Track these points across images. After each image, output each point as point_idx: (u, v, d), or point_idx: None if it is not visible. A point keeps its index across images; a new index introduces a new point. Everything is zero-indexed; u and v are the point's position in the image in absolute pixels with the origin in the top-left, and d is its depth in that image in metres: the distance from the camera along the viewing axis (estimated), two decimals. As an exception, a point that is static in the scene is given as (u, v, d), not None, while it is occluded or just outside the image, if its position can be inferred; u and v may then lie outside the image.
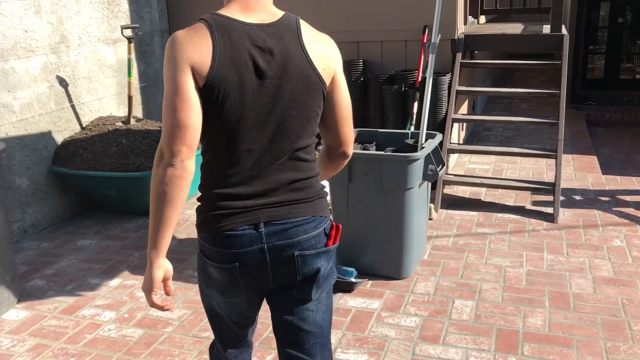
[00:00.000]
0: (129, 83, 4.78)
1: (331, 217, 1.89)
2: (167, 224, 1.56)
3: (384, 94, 5.05)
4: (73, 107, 4.68)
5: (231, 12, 1.63)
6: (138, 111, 5.46)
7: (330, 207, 2.30)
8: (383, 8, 5.22)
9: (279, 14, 1.67)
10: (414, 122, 4.78)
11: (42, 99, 4.37)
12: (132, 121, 4.85)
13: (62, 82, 4.56)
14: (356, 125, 5.32)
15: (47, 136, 4.43)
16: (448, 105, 4.90)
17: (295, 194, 1.66)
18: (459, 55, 5.02)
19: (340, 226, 1.74)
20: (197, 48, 1.56)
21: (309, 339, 1.75)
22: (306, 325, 1.74)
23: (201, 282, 1.76)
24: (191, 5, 5.73)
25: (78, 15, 4.69)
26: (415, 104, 4.80)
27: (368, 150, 3.67)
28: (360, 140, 3.81)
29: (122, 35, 4.71)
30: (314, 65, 1.62)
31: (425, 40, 5.00)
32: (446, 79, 4.89)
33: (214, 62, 1.55)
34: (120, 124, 4.79)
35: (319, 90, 1.64)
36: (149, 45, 5.58)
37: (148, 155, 4.40)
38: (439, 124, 4.90)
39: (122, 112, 5.16)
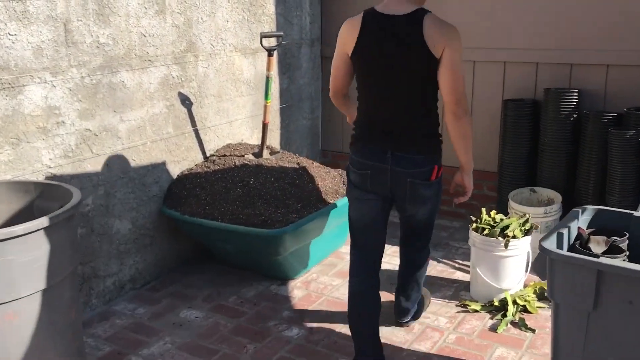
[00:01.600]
0: (265, 107, 3.74)
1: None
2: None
3: (610, 141, 3.55)
4: (196, 131, 3.74)
5: (378, 7, 2.45)
6: (275, 138, 4.44)
7: None
8: (611, 16, 3.71)
9: (412, 8, 2.36)
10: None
11: (157, 121, 3.46)
12: (266, 153, 3.82)
13: (185, 101, 3.63)
14: (561, 187, 3.87)
15: (159, 168, 3.51)
16: None
17: None
18: None
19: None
20: None
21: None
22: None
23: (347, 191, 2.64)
24: (346, 11, 4.62)
25: (212, 17, 3.74)
26: (665, 161, 3.26)
27: (618, 245, 2.26)
28: (598, 226, 2.40)
29: (261, 45, 3.67)
30: (425, 43, 2.29)
31: (681, 67, 3.44)
32: None
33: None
34: (251, 156, 3.77)
35: (424, 64, 2.33)
36: (295, 57, 4.54)
37: (279, 204, 3.32)
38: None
39: (257, 138, 4.16)
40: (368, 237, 2.62)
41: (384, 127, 2.44)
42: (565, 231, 2.25)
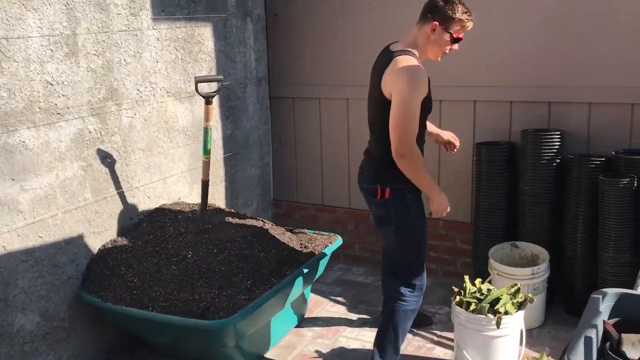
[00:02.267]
0: (204, 164, 3.17)
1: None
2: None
3: (602, 190, 3.14)
4: (122, 194, 3.12)
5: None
6: (219, 192, 3.86)
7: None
8: (594, 49, 3.34)
9: (398, 48, 2.59)
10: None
11: (71, 186, 2.83)
12: (206, 217, 3.23)
13: (107, 159, 3.02)
14: (546, 241, 3.44)
15: (75, 243, 2.87)
16: None
17: None
18: None
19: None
20: None
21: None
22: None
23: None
24: (295, 47, 4.12)
25: (137, 58, 3.17)
26: (668, 215, 2.85)
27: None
28: (624, 314, 1.93)
29: (197, 92, 3.11)
30: (381, 83, 2.53)
31: (674, 106, 3.07)
32: None
33: None
34: (188, 220, 3.18)
35: (380, 101, 2.54)
36: (240, 99, 3.99)
37: (224, 284, 2.74)
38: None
39: (197, 194, 3.57)
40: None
41: (366, 149, 2.82)
42: (592, 333, 1.76)
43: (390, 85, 2.47)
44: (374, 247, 4.18)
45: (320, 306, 3.67)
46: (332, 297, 3.79)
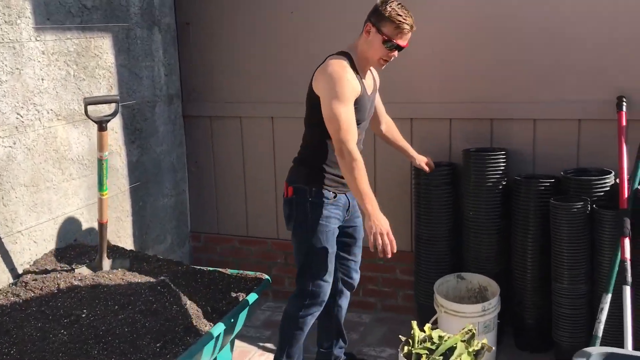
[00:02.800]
0: (101, 202, 2.65)
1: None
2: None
3: (554, 215, 2.87)
4: (-1, 241, 2.56)
5: None
6: (125, 229, 3.32)
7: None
8: (538, 62, 3.09)
9: (336, 50, 2.57)
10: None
11: None
12: (106, 264, 2.71)
13: (-24, 199, 2.46)
14: (493, 271, 3.15)
15: None
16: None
17: None
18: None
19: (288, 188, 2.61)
20: None
21: None
22: None
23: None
24: (210, 58, 3.67)
25: (16, 75, 2.62)
26: (627, 245, 2.59)
27: None
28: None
29: (87, 116, 2.59)
30: (311, 84, 2.52)
31: (624, 122, 2.85)
32: (680, 194, 2.70)
33: None
34: (84, 270, 2.65)
35: (309, 97, 2.55)
36: (148, 120, 3.49)
37: (127, 349, 2.23)
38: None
39: (97, 233, 3.03)
40: None
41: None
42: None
43: (316, 84, 2.47)
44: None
45: (247, 356, 3.21)
46: (261, 344, 3.34)
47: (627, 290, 2.47)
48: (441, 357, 2.31)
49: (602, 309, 2.54)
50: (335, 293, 2.79)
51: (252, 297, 2.84)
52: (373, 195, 2.38)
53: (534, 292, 3.04)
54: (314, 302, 2.61)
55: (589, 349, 1.69)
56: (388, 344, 3.27)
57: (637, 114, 2.90)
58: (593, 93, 3.00)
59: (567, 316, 2.85)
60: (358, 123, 2.48)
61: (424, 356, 2.34)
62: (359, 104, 2.46)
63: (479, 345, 2.38)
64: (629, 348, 2.35)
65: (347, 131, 2.36)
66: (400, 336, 2.50)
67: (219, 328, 2.50)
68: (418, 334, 2.45)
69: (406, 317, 3.56)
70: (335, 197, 2.57)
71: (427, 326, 2.49)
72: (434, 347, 2.36)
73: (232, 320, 2.66)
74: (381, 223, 2.34)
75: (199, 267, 2.99)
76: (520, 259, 3.05)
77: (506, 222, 3.12)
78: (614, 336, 2.73)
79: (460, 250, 3.28)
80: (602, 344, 2.52)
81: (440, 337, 2.42)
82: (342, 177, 2.51)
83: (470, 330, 2.42)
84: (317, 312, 2.65)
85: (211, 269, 3.00)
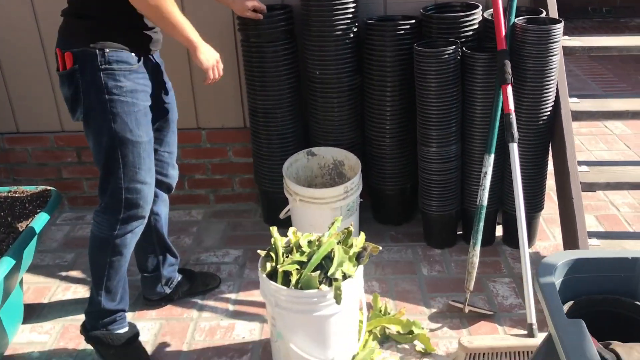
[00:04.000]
0: None
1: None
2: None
3: (418, 64, 2.32)
4: None
5: None
6: None
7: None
8: None
9: None
10: (514, 135, 2.12)
11: None
12: None
13: None
14: (347, 140, 2.61)
15: None
16: (558, 86, 2.34)
17: None
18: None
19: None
20: None
21: None
22: None
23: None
24: None
25: None
26: (511, 95, 2.15)
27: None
28: (584, 290, 1.16)
29: None
30: None
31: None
32: (559, 29, 2.26)
33: None
34: None
35: None
36: None
37: None
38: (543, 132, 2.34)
39: None
40: None
41: None
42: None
43: None
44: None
45: (46, 294, 2.39)
46: (63, 274, 2.51)
47: (515, 148, 2.08)
48: (318, 272, 1.74)
49: (485, 173, 2.14)
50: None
51: (40, 222, 2.00)
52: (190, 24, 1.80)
53: (394, 159, 2.58)
54: (133, 214, 1.87)
55: (551, 259, 1.22)
56: (230, 244, 2.66)
57: None
58: None
59: (436, 183, 2.45)
60: None
61: (294, 273, 1.76)
62: None
63: (360, 245, 1.85)
64: (521, 217, 2.01)
65: None
66: (258, 251, 1.87)
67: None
68: (277, 239, 1.84)
69: (246, 207, 2.96)
70: (139, 60, 1.77)
71: (293, 230, 1.89)
72: (305, 259, 1.78)
73: (14, 260, 1.83)
74: (211, 52, 1.88)
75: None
76: (378, 122, 2.53)
77: (360, 79, 2.53)
78: (493, 202, 2.41)
79: (307, 121, 2.66)
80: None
81: (310, 243, 1.84)
82: (145, 28, 1.77)
83: (347, 229, 1.87)
84: (139, 227, 1.92)
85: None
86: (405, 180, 2.63)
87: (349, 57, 2.47)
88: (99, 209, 1.88)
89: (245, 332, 2.14)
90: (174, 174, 2.13)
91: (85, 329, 1.99)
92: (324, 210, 2.35)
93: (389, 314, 2.15)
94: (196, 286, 2.34)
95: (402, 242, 2.63)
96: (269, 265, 1.80)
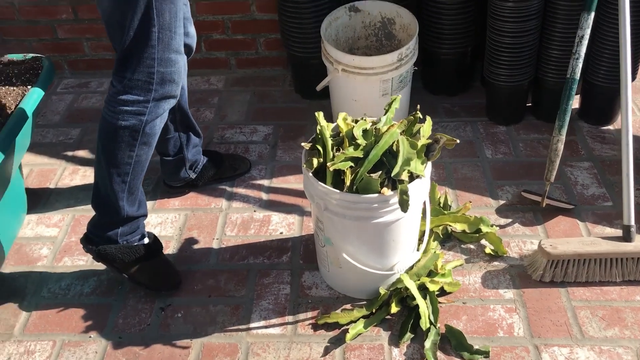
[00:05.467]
0: None
1: None
2: None
3: None
4: None
5: None
6: None
7: None
8: None
9: None
10: None
11: None
12: None
13: None
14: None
15: None
16: None
17: None
18: None
19: None
20: None
21: None
22: None
23: None
24: None
25: None
26: None
27: None
28: None
29: None
30: None
31: None
32: None
33: None
34: None
35: None
36: None
37: None
38: None
39: None
40: None
41: None
42: None
43: None
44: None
45: (51, 178, 2.09)
46: (69, 154, 2.19)
47: (626, 2, 1.61)
48: (379, 173, 1.39)
49: (581, 37, 1.68)
50: None
51: (32, 102, 1.66)
52: None
53: (455, 15, 2.11)
54: (166, 92, 1.49)
55: None
56: (258, 118, 2.30)
57: None
58: None
59: (509, 47, 2.00)
60: None
61: (348, 172, 1.41)
62: None
63: (426, 134, 1.48)
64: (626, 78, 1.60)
65: None
66: (303, 144, 1.50)
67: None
68: (327, 131, 1.47)
69: (273, 72, 2.55)
70: None
71: (342, 116, 1.50)
72: (360, 154, 1.43)
73: (2, 154, 1.51)
74: None
75: None
76: (439, -32, 2.03)
77: None
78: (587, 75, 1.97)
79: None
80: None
81: (366, 133, 1.47)
82: None
83: (414, 115, 1.48)
84: (169, 107, 1.54)
85: None
86: (466, 42, 2.18)
87: None
88: (117, 92, 1.46)
89: (283, 226, 1.86)
90: (193, 32, 1.71)
91: (92, 243, 1.62)
92: (372, 82, 1.95)
93: (450, 207, 1.84)
94: (224, 171, 2.02)
95: (460, 116, 2.24)
96: (315, 161, 1.45)
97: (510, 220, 1.82)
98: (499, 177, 1.97)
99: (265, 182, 2.02)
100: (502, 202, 1.89)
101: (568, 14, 1.93)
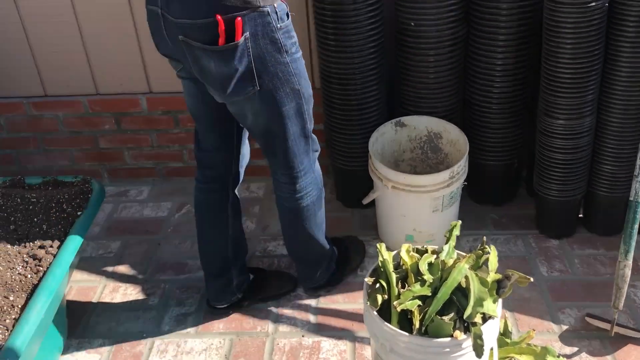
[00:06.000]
0: None
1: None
2: None
3: (555, 13, 1.78)
4: None
5: None
6: None
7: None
8: None
9: None
10: None
11: None
12: None
13: None
14: (444, 108, 2.13)
15: None
16: None
17: None
18: None
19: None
20: None
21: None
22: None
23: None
24: None
25: None
26: None
27: None
28: None
29: None
30: None
31: None
32: None
33: None
34: None
35: None
36: None
37: None
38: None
39: None
40: (201, 132, 1.76)
41: None
42: None
43: None
44: (158, 151, 2.52)
45: (91, 295, 2.03)
46: (109, 269, 2.14)
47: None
48: (451, 315, 1.32)
49: (643, 156, 1.66)
50: (231, 170, 1.81)
51: (82, 227, 1.65)
52: None
53: (502, 129, 2.10)
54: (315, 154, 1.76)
55: None
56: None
57: None
58: None
59: (561, 163, 1.97)
60: None
61: (416, 312, 1.34)
62: None
63: (493, 268, 1.42)
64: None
65: None
66: (366, 279, 1.44)
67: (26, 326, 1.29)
68: (389, 266, 1.41)
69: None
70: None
71: (405, 248, 1.45)
72: (428, 292, 1.36)
73: (50, 297, 1.45)
74: None
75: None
76: (484, 82, 2.02)
77: (464, 32, 2.01)
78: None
79: (392, 86, 2.17)
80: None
81: (431, 267, 1.41)
82: None
83: (482, 249, 1.42)
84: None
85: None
86: (512, 154, 2.16)
87: (453, 2, 1.94)
88: (293, 179, 1.69)
89: (334, 354, 1.76)
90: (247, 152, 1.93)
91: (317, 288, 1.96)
92: (422, 199, 1.91)
93: (511, 333, 1.74)
94: (269, 290, 1.96)
95: (509, 228, 2.18)
96: (380, 298, 1.38)
97: (576, 349, 1.72)
98: (558, 298, 1.89)
99: (312, 302, 1.94)
100: (564, 327, 1.79)
101: (620, 129, 1.90)
